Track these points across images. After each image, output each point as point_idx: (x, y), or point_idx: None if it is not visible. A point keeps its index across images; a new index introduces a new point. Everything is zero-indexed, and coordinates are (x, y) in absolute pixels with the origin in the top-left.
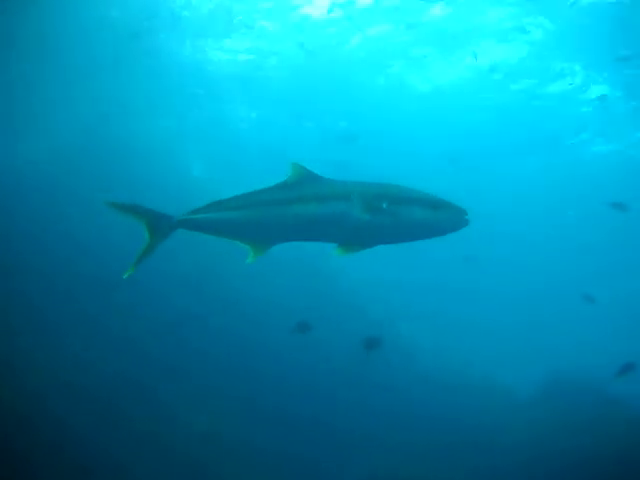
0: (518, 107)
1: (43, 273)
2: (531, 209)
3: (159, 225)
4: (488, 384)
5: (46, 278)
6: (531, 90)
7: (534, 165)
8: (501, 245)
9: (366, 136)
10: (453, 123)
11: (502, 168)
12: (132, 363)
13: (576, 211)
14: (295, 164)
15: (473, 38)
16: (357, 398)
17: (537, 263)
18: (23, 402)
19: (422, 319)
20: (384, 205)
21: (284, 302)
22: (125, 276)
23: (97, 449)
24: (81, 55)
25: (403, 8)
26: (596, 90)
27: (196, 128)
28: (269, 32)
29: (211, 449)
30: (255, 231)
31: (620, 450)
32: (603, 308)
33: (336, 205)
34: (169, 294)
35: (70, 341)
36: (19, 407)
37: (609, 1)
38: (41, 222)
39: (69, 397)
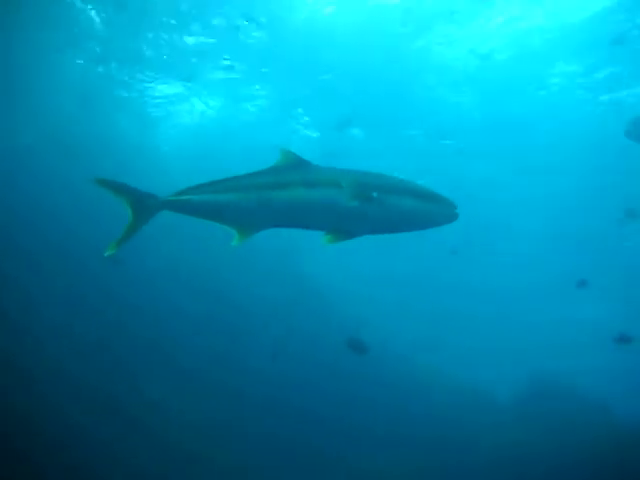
0: None
1: (38, 261)
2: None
3: (143, 205)
4: (471, 383)
5: (41, 266)
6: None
7: None
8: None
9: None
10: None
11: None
12: (125, 353)
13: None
14: (284, 150)
15: None
16: (342, 390)
17: (523, 258)
18: (21, 394)
19: (406, 314)
20: (374, 194)
21: (269, 294)
22: (106, 254)
23: (93, 440)
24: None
25: None
26: None
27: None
28: None
29: (203, 437)
30: (242, 215)
31: (600, 453)
32: (588, 309)
33: (326, 192)
34: (162, 286)
35: (64, 332)
36: (19, 400)
37: None
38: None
39: (65, 388)
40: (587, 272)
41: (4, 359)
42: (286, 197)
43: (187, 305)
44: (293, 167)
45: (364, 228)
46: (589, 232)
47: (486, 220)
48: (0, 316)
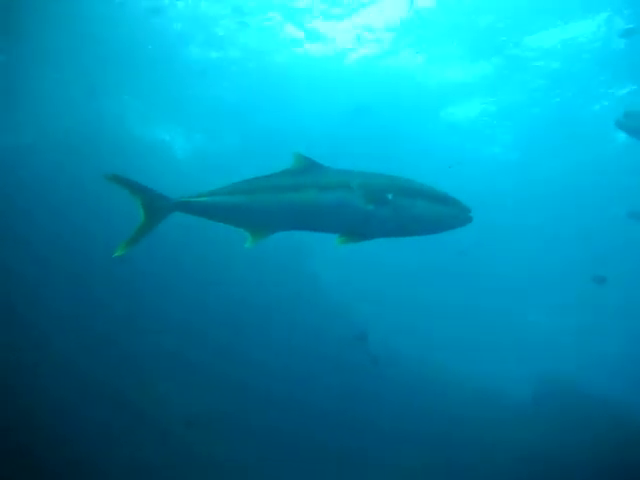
0: None
1: (44, 255)
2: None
3: (156, 205)
4: (482, 382)
5: (47, 261)
6: None
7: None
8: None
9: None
10: None
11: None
12: (132, 347)
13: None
14: (297, 153)
15: None
16: (347, 384)
17: (531, 256)
18: (26, 388)
19: (412, 310)
20: (389, 197)
21: (274, 287)
22: (116, 254)
23: (98, 434)
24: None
25: None
26: None
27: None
28: None
29: (207, 431)
30: (254, 217)
31: (610, 451)
32: (599, 309)
33: (340, 194)
34: (169, 279)
35: (71, 326)
36: (24, 394)
37: None
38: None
39: (71, 382)
40: (590, 270)
41: (10, 353)
42: (300, 200)
43: (194, 299)
44: (306, 170)
45: (378, 231)
46: (596, 230)
47: (495, 218)
48: (7, 310)
